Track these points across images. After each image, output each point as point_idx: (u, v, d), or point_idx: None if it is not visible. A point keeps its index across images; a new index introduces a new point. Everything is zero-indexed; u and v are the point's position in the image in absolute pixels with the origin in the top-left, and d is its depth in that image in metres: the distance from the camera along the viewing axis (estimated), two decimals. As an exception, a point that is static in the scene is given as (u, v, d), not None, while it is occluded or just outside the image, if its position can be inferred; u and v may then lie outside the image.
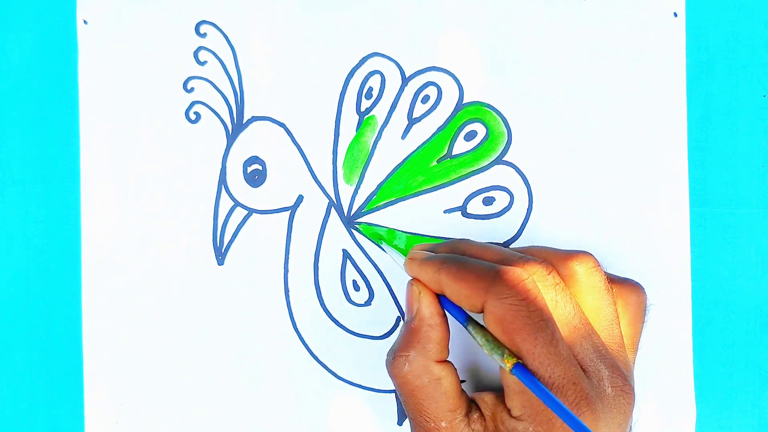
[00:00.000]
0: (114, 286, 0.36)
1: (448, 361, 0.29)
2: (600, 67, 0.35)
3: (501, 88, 0.35)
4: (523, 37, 0.35)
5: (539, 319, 0.26)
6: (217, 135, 0.35)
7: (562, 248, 0.31)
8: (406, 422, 0.35)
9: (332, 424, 0.35)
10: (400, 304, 0.35)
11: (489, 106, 0.35)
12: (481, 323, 0.28)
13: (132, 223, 0.35)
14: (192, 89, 0.35)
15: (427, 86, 0.35)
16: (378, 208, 0.35)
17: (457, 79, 0.35)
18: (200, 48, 0.35)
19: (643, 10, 0.35)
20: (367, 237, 0.35)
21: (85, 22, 0.35)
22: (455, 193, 0.35)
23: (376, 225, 0.35)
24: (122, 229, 0.36)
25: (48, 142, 0.36)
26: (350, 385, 0.35)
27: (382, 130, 0.35)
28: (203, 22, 0.35)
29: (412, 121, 0.35)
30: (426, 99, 0.35)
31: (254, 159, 0.35)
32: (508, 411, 0.27)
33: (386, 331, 0.35)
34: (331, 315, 0.35)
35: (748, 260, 0.35)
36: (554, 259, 0.29)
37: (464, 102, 0.35)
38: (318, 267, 0.35)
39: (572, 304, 0.27)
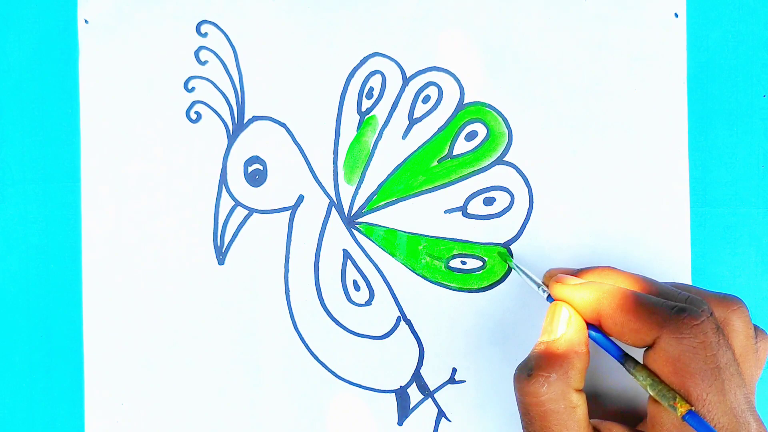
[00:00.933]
0: (114, 286, 0.36)
1: (583, 391, 0.28)
2: (601, 67, 0.35)
3: (501, 89, 0.35)
4: (523, 38, 0.35)
5: (714, 365, 0.25)
6: (218, 135, 0.35)
7: (677, 284, 0.30)
8: (406, 422, 0.35)
9: (332, 424, 0.35)
10: (401, 304, 0.35)
11: (490, 106, 0.35)
12: (636, 360, 0.27)
13: (132, 223, 0.35)
14: (193, 89, 0.35)
15: (427, 86, 0.35)
16: (378, 208, 0.35)
17: (457, 79, 0.35)
18: (201, 47, 0.35)
19: (644, 10, 0.35)
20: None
21: (86, 21, 0.35)
22: (456, 193, 0.35)
23: (377, 225, 0.35)
24: (123, 229, 0.35)
25: (48, 142, 0.36)
26: (350, 385, 0.35)
27: (383, 130, 0.35)
28: (204, 21, 0.35)
29: (412, 121, 0.35)
30: (427, 99, 0.35)
31: (255, 159, 0.35)
32: None
33: (386, 331, 0.35)
34: (331, 315, 0.35)
35: (748, 260, 0.35)
36: (711, 300, 0.28)
37: (465, 102, 0.35)
38: (318, 267, 0.35)
39: (731, 350, 0.26)
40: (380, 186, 0.35)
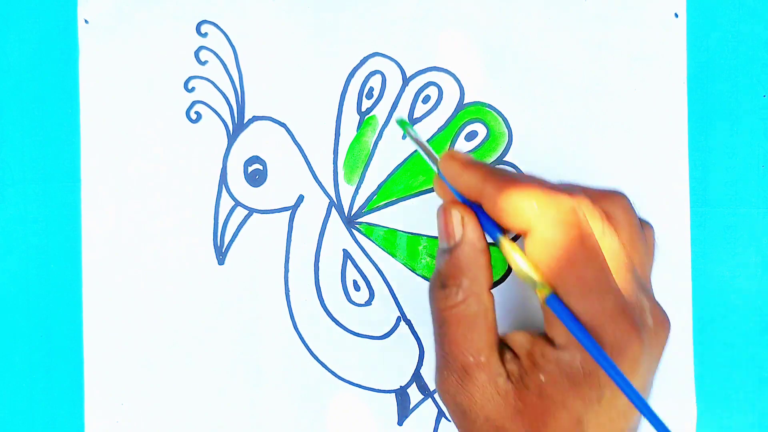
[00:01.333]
0: (114, 286, 0.36)
1: (491, 293, 0.28)
2: (601, 67, 0.35)
3: (501, 89, 0.35)
4: (523, 38, 0.35)
5: (590, 244, 0.25)
6: (218, 135, 0.35)
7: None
8: (406, 422, 0.35)
9: (332, 424, 0.35)
10: (401, 304, 0.35)
11: (490, 106, 0.35)
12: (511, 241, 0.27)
13: (132, 223, 0.35)
14: (193, 89, 0.35)
15: (427, 86, 0.35)
16: (378, 208, 0.35)
17: (457, 79, 0.35)
18: (201, 47, 0.35)
19: (644, 10, 0.35)
20: (369, 238, 0.35)
21: (86, 21, 0.35)
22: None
23: (377, 225, 0.35)
24: (122, 229, 0.35)
25: (48, 142, 0.36)
26: (350, 385, 0.35)
27: (383, 130, 0.35)
28: (204, 21, 0.35)
29: (412, 122, 0.35)
30: (427, 99, 0.35)
31: (255, 159, 0.35)
32: (550, 342, 0.26)
33: (386, 331, 0.35)
34: (331, 315, 0.35)
35: (748, 260, 0.35)
36: (592, 195, 0.28)
37: (465, 102, 0.35)
38: (318, 267, 0.35)
39: (616, 237, 0.26)
40: (380, 186, 0.35)
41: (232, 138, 0.35)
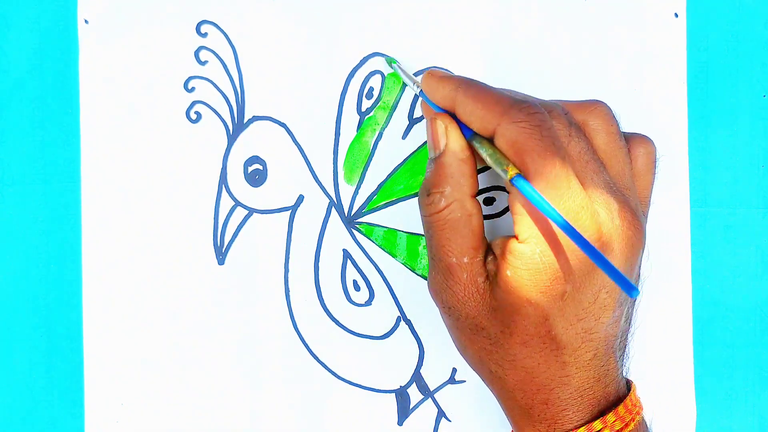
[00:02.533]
0: (114, 286, 0.36)
1: (477, 200, 0.29)
2: (601, 67, 0.35)
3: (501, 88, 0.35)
4: (523, 37, 0.35)
5: (551, 143, 0.26)
6: (218, 135, 0.35)
7: None
8: (406, 422, 0.35)
9: (332, 424, 0.35)
10: (401, 304, 0.35)
11: (489, 106, 0.35)
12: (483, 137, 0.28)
13: (132, 223, 0.35)
14: (193, 89, 0.35)
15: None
16: (378, 208, 0.35)
17: (457, 79, 0.35)
18: (201, 48, 0.35)
19: (644, 10, 0.35)
20: (367, 237, 0.35)
21: (86, 21, 0.35)
22: (456, 193, 0.35)
23: (377, 225, 0.35)
24: (123, 229, 0.35)
25: (48, 142, 0.36)
26: (350, 385, 0.35)
27: (383, 130, 0.35)
28: (204, 21, 0.35)
29: (412, 121, 0.35)
30: (427, 99, 0.35)
31: (255, 159, 0.35)
32: (516, 238, 0.27)
33: (386, 331, 0.35)
34: (331, 315, 0.35)
35: (748, 260, 0.35)
36: (570, 106, 0.29)
37: (465, 102, 0.35)
38: (318, 267, 0.35)
39: (586, 141, 0.28)
40: (380, 186, 0.35)
41: (232, 138, 0.35)
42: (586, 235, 0.26)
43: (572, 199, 0.26)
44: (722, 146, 0.35)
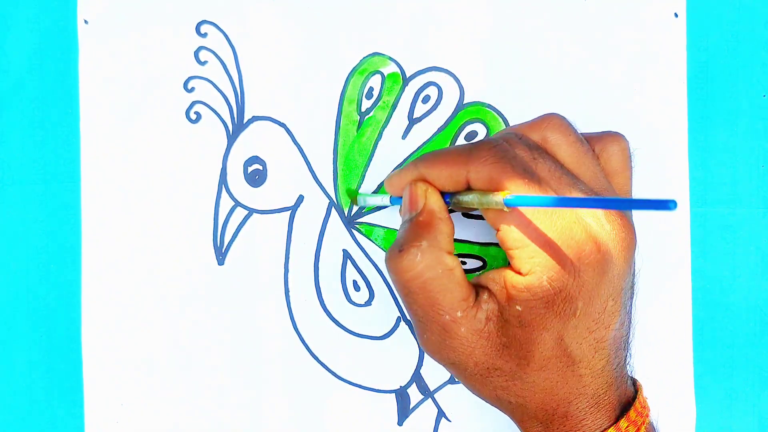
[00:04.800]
0: (114, 286, 0.36)
1: (454, 255, 0.29)
2: (600, 67, 0.35)
3: (501, 89, 0.35)
4: (523, 38, 0.35)
5: (523, 169, 0.26)
6: (218, 135, 0.35)
7: None
8: (406, 422, 0.35)
9: (332, 424, 0.35)
10: (401, 304, 0.35)
11: (489, 106, 0.35)
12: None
13: (132, 223, 0.35)
14: (192, 89, 0.35)
15: (427, 86, 0.35)
16: (378, 208, 0.35)
17: (457, 79, 0.35)
18: (201, 48, 0.35)
19: (644, 10, 0.35)
20: (365, 235, 0.35)
21: (85, 21, 0.35)
22: (456, 193, 0.35)
23: (377, 225, 0.35)
24: (122, 229, 0.35)
25: (48, 142, 0.36)
26: (350, 385, 0.35)
27: (383, 131, 0.35)
28: (204, 21, 0.35)
29: (412, 121, 0.35)
30: (427, 99, 0.35)
31: (255, 159, 0.35)
32: (518, 272, 0.27)
33: (386, 331, 0.35)
34: (331, 315, 0.35)
35: (748, 260, 0.35)
36: (522, 129, 0.29)
37: (465, 102, 0.35)
38: (318, 267, 0.35)
39: (551, 159, 0.28)
40: (380, 186, 0.35)
41: (231, 138, 0.35)
42: (584, 248, 0.26)
43: (561, 216, 0.26)
44: (722, 146, 0.35)
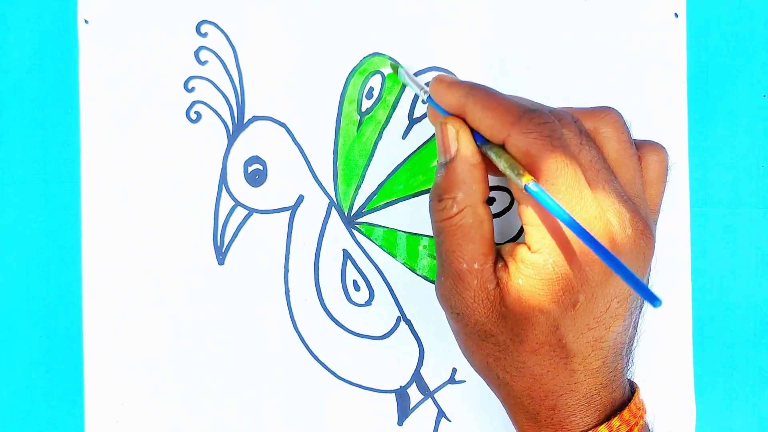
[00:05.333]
0: (114, 286, 0.36)
1: (488, 205, 0.29)
2: (601, 67, 0.35)
3: (501, 88, 0.35)
4: (523, 37, 0.35)
5: (562, 153, 0.26)
6: (218, 135, 0.35)
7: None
8: (406, 422, 0.35)
9: (332, 424, 0.35)
10: (401, 304, 0.35)
11: (489, 106, 0.35)
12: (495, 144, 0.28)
13: (132, 223, 0.35)
14: (193, 89, 0.35)
15: (428, 86, 0.35)
16: (378, 208, 0.35)
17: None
18: (201, 47, 0.35)
19: (644, 10, 0.35)
20: (366, 237, 0.35)
21: (86, 21, 0.35)
22: (456, 193, 0.35)
23: (377, 225, 0.35)
24: (122, 229, 0.35)
25: (48, 142, 0.36)
26: (350, 385, 0.35)
27: (383, 131, 0.35)
28: (204, 21, 0.35)
29: (412, 121, 0.35)
30: (427, 99, 0.35)
31: (255, 159, 0.35)
32: (528, 248, 0.27)
33: (386, 331, 0.35)
34: (331, 315, 0.35)
35: (748, 260, 0.35)
36: (579, 113, 0.29)
37: (465, 102, 0.35)
38: (318, 267, 0.35)
39: (596, 150, 0.28)
40: (380, 186, 0.35)
41: (232, 138, 0.35)
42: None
43: (584, 209, 0.26)
44: (722, 146, 0.35)
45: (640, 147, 0.30)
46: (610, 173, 0.28)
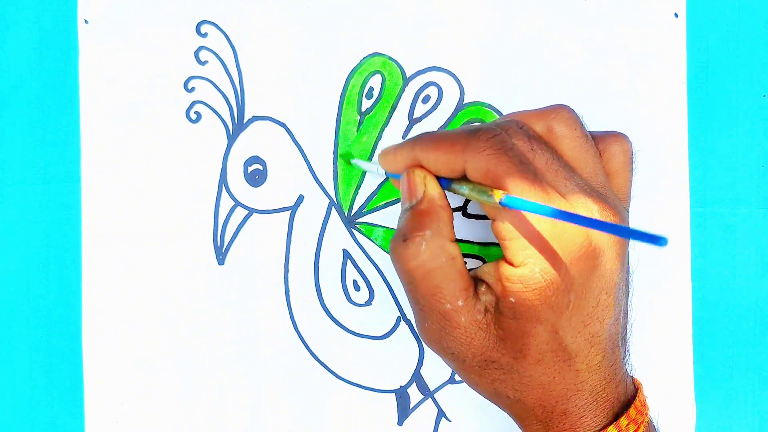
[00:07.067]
0: (114, 286, 0.36)
1: (456, 242, 0.29)
2: (601, 67, 0.35)
3: (501, 88, 0.35)
4: (523, 37, 0.35)
5: (519, 162, 0.26)
6: (218, 135, 0.35)
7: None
8: (406, 422, 0.35)
9: (332, 424, 0.35)
10: (401, 304, 0.35)
11: (489, 106, 0.35)
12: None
13: (132, 223, 0.35)
14: (193, 89, 0.35)
15: (427, 86, 0.35)
16: (378, 208, 0.35)
17: (457, 79, 0.35)
18: (201, 48, 0.35)
19: (644, 10, 0.35)
20: (365, 235, 0.35)
21: (85, 21, 0.35)
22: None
23: (377, 225, 0.35)
24: (122, 229, 0.35)
25: (48, 142, 0.36)
26: (350, 385, 0.35)
27: (383, 131, 0.35)
28: (204, 21, 0.35)
29: (412, 121, 0.35)
30: (427, 99, 0.35)
31: (255, 159, 0.35)
32: (510, 263, 0.27)
33: (386, 331, 0.35)
34: (331, 315, 0.35)
35: (748, 260, 0.35)
36: (527, 117, 0.29)
37: (465, 102, 0.35)
38: (318, 267, 0.35)
39: (550, 151, 0.28)
40: (380, 186, 0.35)
41: (232, 138, 0.35)
42: (575, 241, 0.26)
43: (556, 207, 0.26)
44: (722, 146, 0.35)
45: (601, 139, 0.30)
46: (569, 170, 0.28)
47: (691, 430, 0.35)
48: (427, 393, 0.35)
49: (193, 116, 0.35)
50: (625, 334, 0.30)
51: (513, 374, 0.28)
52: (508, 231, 0.27)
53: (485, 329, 0.28)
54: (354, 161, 0.34)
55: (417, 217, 0.28)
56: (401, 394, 0.35)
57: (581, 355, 0.27)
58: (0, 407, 0.36)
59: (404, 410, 0.35)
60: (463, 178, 0.28)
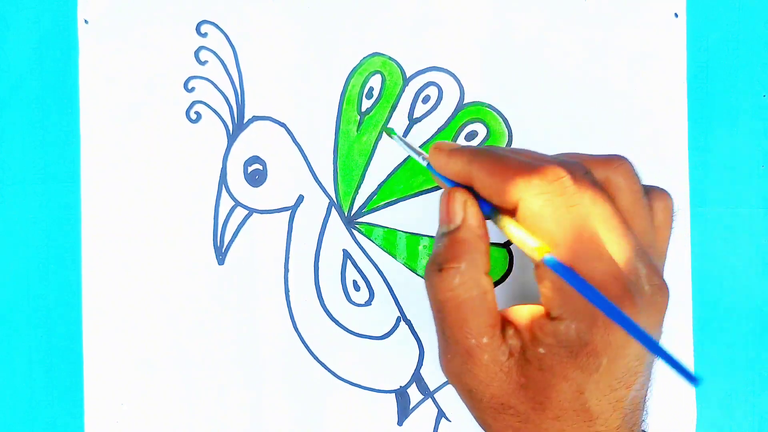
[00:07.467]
0: (114, 286, 0.36)
1: (489, 276, 0.28)
2: (600, 67, 0.35)
3: (501, 89, 0.35)
4: (523, 37, 0.35)
5: (578, 213, 0.25)
6: (218, 135, 0.35)
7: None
8: (406, 422, 0.35)
9: (332, 424, 0.35)
10: (401, 304, 0.35)
11: (489, 106, 0.35)
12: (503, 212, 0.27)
13: (132, 223, 0.35)
14: (193, 89, 0.35)
15: (427, 86, 0.35)
16: (378, 208, 0.35)
17: (457, 79, 0.35)
18: (201, 48, 0.35)
19: (644, 10, 0.35)
20: (366, 237, 0.35)
21: (85, 21, 0.35)
22: (456, 193, 0.35)
23: (376, 225, 0.35)
24: (122, 229, 0.35)
25: (48, 142, 0.36)
26: (350, 385, 0.35)
27: (383, 130, 0.35)
28: (204, 21, 0.35)
29: (412, 121, 0.35)
30: (427, 99, 0.35)
31: (255, 159, 0.35)
32: (547, 314, 0.26)
33: (386, 331, 0.35)
34: (331, 315, 0.35)
35: (748, 260, 0.35)
36: (590, 162, 0.27)
37: (465, 102, 0.35)
38: (318, 267, 0.35)
39: (610, 204, 0.26)
40: (380, 186, 0.35)
41: (231, 138, 0.35)
42: (618, 305, 0.25)
43: (604, 270, 0.25)
44: (722, 146, 0.35)
45: (647, 194, 0.29)
46: (626, 227, 0.26)
47: (692, 430, 0.35)
48: (427, 393, 0.35)
49: (193, 116, 0.35)
50: (646, 397, 0.29)
51: (528, 424, 0.27)
52: (550, 279, 0.26)
53: (507, 372, 0.27)
54: (395, 138, 0.32)
55: (454, 245, 0.27)
56: (401, 395, 0.35)
57: (602, 418, 0.26)
58: (0, 407, 0.36)
59: (404, 410, 0.35)
60: (509, 213, 0.26)
